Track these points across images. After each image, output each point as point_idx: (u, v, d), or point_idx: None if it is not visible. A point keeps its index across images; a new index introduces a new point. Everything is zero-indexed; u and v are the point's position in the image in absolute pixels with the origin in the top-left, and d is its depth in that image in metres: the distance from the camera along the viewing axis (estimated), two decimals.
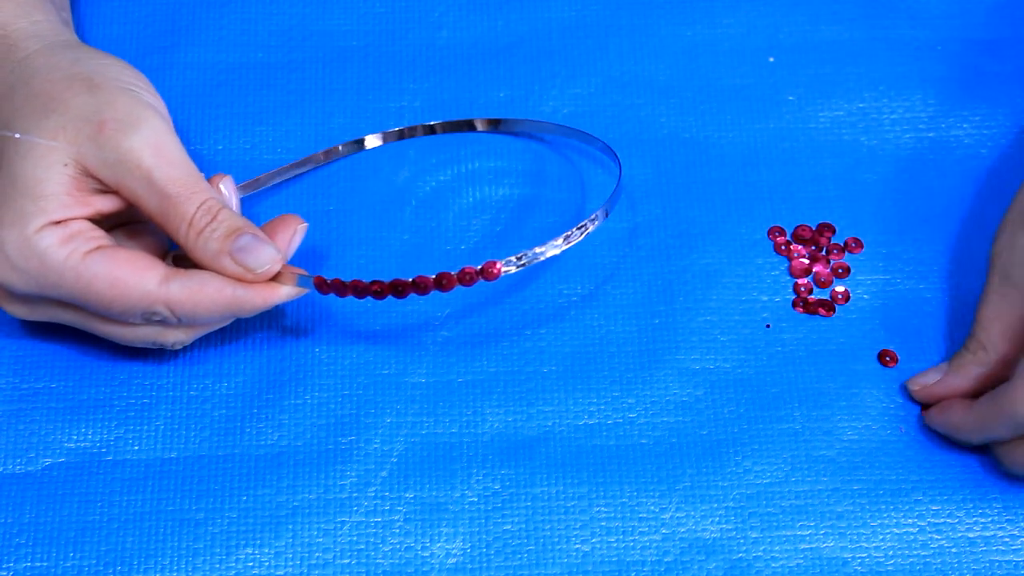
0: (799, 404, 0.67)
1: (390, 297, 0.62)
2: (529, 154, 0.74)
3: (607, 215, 0.66)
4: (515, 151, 0.74)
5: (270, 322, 0.69)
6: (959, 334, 0.69)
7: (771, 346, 0.68)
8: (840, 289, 0.70)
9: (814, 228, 0.72)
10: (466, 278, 0.62)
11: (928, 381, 0.66)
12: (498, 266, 0.62)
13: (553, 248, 0.64)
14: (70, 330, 0.68)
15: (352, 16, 0.78)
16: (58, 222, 0.61)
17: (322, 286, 0.63)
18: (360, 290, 0.62)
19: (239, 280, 0.62)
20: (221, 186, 0.65)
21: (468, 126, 0.74)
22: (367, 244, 0.71)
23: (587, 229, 0.65)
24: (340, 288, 0.63)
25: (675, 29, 0.78)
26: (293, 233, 0.64)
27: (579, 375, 0.68)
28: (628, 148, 0.73)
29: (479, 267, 0.62)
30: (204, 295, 0.62)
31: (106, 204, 0.63)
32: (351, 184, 0.73)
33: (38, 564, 0.63)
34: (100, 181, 0.62)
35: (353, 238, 0.71)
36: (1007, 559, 0.63)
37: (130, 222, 0.65)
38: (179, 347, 0.65)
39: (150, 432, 0.66)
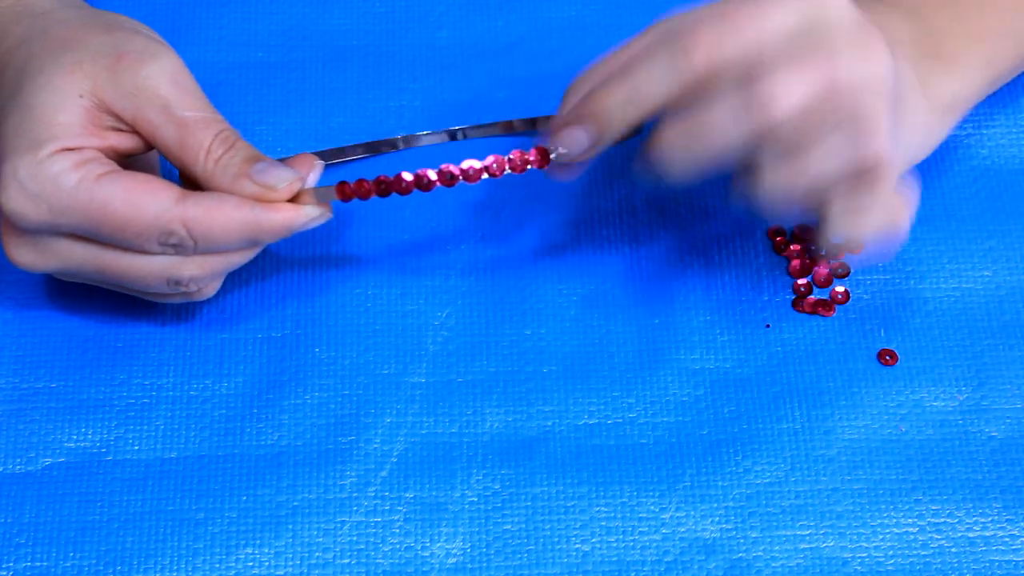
0: (799, 404, 0.67)
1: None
2: None
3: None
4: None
5: (270, 322, 0.69)
6: (959, 334, 0.69)
7: (771, 346, 0.69)
8: (840, 289, 0.70)
9: (814, 228, 0.72)
10: (493, 167, 0.61)
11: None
12: (526, 156, 0.61)
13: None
14: (70, 329, 0.68)
15: (352, 16, 0.78)
16: (71, 148, 0.61)
17: (344, 190, 0.61)
18: (384, 186, 0.61)
19: (259, 200, 0.62)
20: None
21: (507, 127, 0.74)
22: (367, 244, 0.71)
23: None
24: (363, 190, 0.61)
25: None
26: (310, 169, 0.64)
27: (579, 375, 0.68)
28: (628, 147, 0.73)
29: (507, 156, 0.61)
30: (222, 212, 0.61)
31: (121, 141, 0.62)
32: None
33: (38, 564, 0.63)
34: (117, 116, 0.62)
35: (353, 238, 0.71)
36: (1007, 559, 0.63)
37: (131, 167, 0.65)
38: (194, 289, 0.64)
39: (150, 432, 0.66)
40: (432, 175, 0.60)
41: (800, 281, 0.70)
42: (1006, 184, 0.73)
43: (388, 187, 0.61)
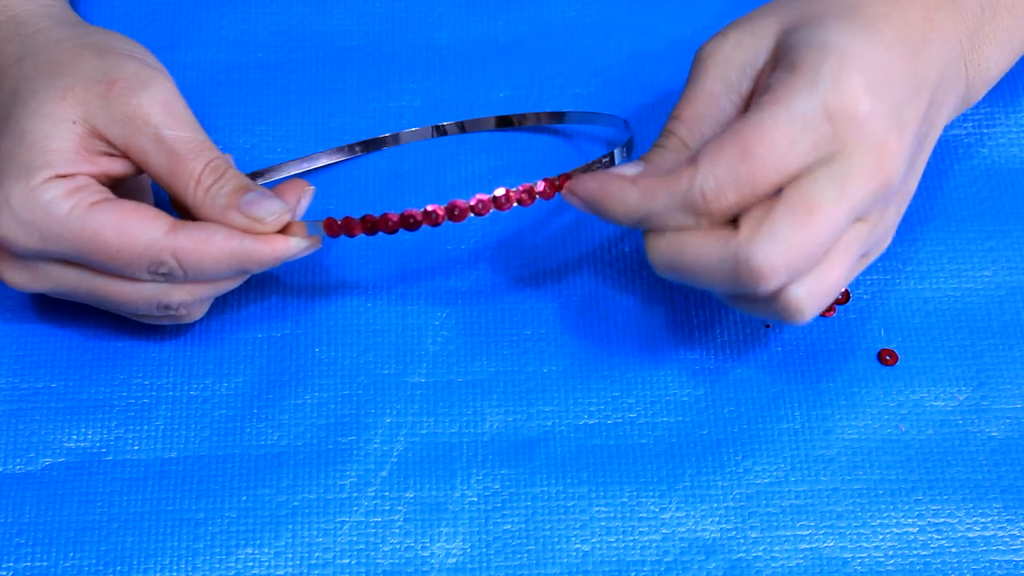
0: (799, 403, 0.67)
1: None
2: (530, 152, 0.74)
3: (626, 156, 0.66)
4: (515, 149, 0.74)
5: (270, 322, 0.69)
6: (959, 334, 0.69)
7: (771, 346, 0.69)
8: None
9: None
10: (479, 207, 0.61)
11: (624, 172, 0.62)
12: (508, 193, 0.61)
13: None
14: (70, 330, 0.68)
15: (352, 16, 0.78)
16: (64, 175, 0.61)
17: (332, 227, 0.62)
18: (370, 225, 0.61)
19: (248, 232, 0.62)
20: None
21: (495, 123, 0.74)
22: (367, 244, 0.71)
23: (603, 164, 0.64)
24: (350, 227, 0.62)
25: (675, 29, 0.78)
26: (301, 195, 0.64)
27: (579, 375, 0.68)
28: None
29: (489, 196, 0.61)
30: (212, 244, 0.61)
31: (113, 166, 0.62)
32: (350, 184, 0.73)
33: (38, 564, 0.63)
34: (108, 142, 0.62)
35: (353, 238, 0.71)
36: (1007, 559, 0.63)
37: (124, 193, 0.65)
38: (183, 313, 0.64)
39: (150, 432, 0.66)
40: (417, 213, 0.61)
41: None
42: (1006, 184, 0.73)
43: (375, 226, 0.61)
